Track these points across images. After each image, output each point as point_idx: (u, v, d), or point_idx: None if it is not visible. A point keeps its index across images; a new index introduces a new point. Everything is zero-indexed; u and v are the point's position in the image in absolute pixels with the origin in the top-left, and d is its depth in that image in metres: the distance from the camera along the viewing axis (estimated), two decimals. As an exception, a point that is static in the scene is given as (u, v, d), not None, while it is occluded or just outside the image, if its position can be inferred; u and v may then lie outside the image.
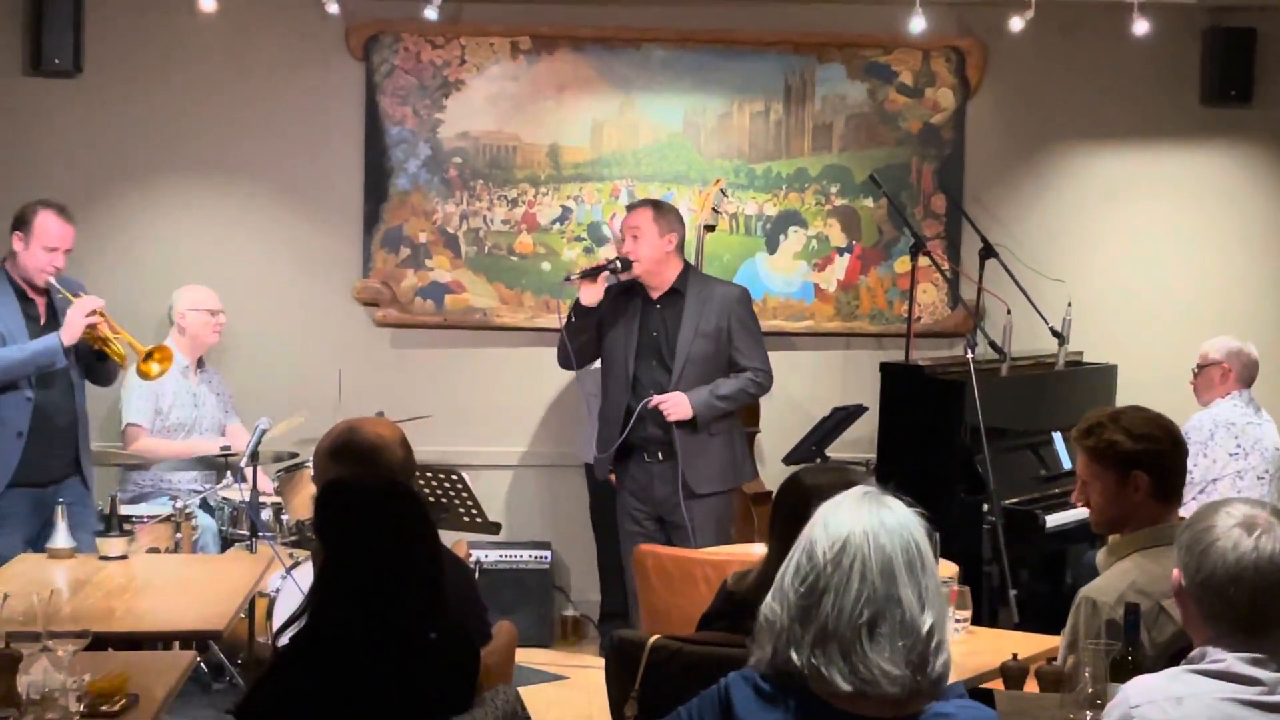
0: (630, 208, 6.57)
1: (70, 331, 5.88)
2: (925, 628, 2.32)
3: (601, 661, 4.67)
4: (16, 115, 7.45)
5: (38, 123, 7.46)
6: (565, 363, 6.57)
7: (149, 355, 6.07)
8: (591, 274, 6.32)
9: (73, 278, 6.15)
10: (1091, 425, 3.78)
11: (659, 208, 6.42)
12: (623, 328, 6.37)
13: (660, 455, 6.29)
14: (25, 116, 7.46)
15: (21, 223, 5.97)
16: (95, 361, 6.15)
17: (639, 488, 6.35)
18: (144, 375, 6.15)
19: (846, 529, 2.36)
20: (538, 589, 7.43)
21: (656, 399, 6.23)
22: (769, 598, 2.41)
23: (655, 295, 6.35)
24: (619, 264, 6.30)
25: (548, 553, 7.45)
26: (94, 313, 5.92)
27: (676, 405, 6.21)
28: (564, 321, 6.43)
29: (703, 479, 6.25)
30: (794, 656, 2.35)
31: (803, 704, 2.38)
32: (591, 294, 6.31)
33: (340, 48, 7.58)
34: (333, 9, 7.22)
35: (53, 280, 5.97)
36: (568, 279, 6.48)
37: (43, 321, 6.01)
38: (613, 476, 6.51)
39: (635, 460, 6.36)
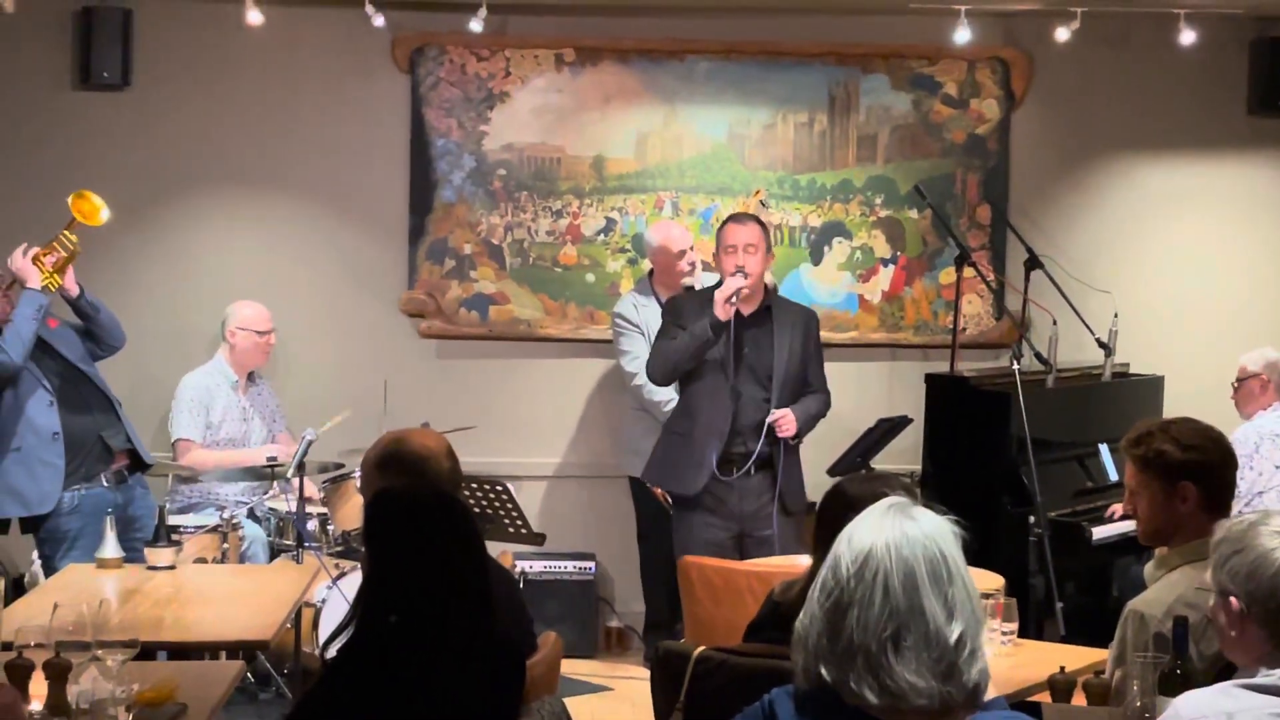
0: (738, 219, 6.26)
1: (30, 275, 6.04)
2: (953, 638, 2.29)
3: (645, 672, 4.67)
4: (66, 128, 7.52)
5: (87, 136, 7.53)
6: (668, 380, 6.34)
7: (82, 214, 6.20)
8: (737, 295, 6.08)
9: None
10: (1141, 434, 3.77)
11: (762, 226, 6.27)
12: (718, 344, 6.16)
13: (751, 471, 6.15)
14: (74, 130, 7.52)
15: None
16: (91, 316, 6.27)
17: (721, 504, 6.17)
18: (96, 224, 6.24)
19: (869, 543, 2.34)
20: (581, 600, 7.43)
21: (775, 415, 6.14)
22: (802, 613, 2.41)
23: (747, 312, 6.21)
24: (742, 275, 6.07)
25: (592, 563, 7.46)
26: (25, 250, 6.07)
27: (790, 423, 6.15)
28: (674, 338, 6.15)
29: (795, 496, 6.20)
30: (824, 671, 2.34)
31: (842, 716, 2.37)
32: (728, 311, 6.06)
33: (386, 60, 7.62)
34: (378, 22, 7.27)
35: None
36: (726, 316, 6.05)
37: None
38: (658, 490, 6.49)
39: (726, 478, 6.18)
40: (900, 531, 2.35)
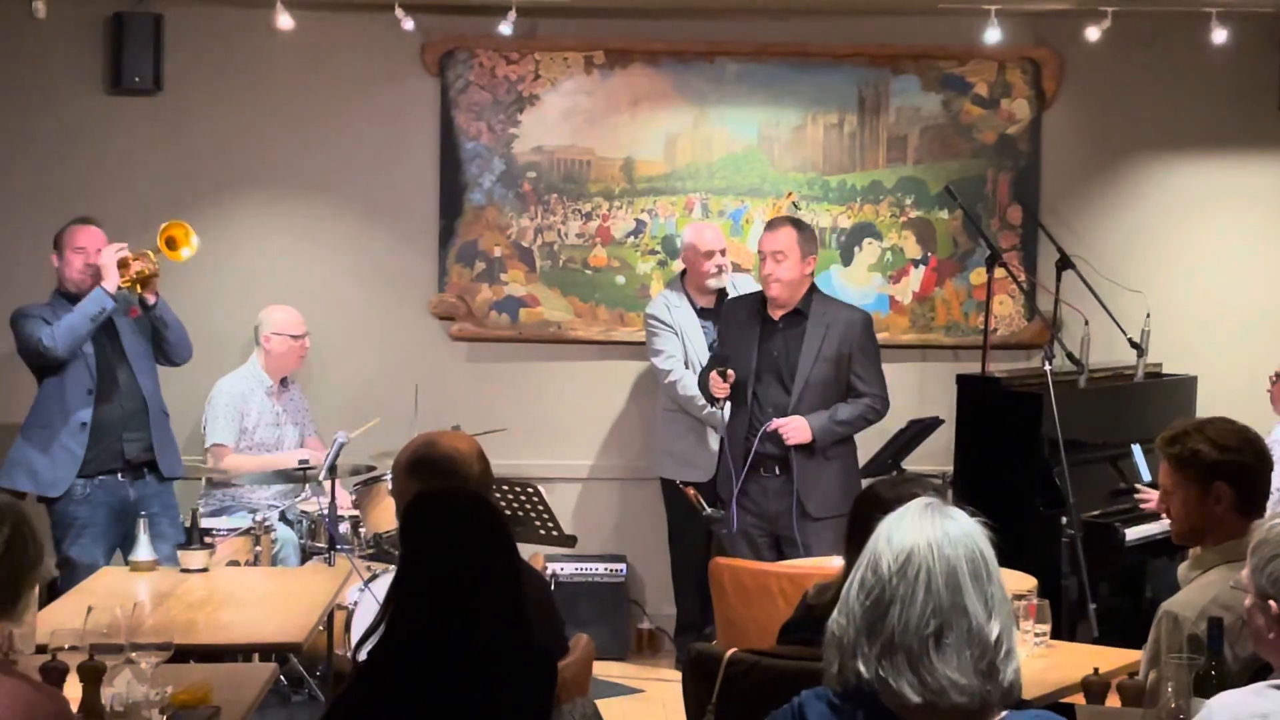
0: (770, 225, 6.52)
1: (109, 275, 6.14)
2: (993, 636, 2.31)
3: (677, 674, 4.68)
4: (98, 133, 7.55)
5: (118, 141, 7.56)
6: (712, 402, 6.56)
7: (170, 243, 6.33)
8: (715, 398, 6.37)
9: None
10: (1176, 434, 3.76)
11: (801, 229, 6.40)
12: (745, 347, 6.38)
13: (776, 470, 6.34)
14: (106, 134, 7.56)
15: (55, 244, 6.30)
16: (159, 330, 6.37)
17: (755, 505, 6.37)
18: (178, 258, 6.36)
19: (911, 541, 2.35)
20: (612, 602, 7.43)
21: (776, 423, 6.29)
22: (835, 612, 2.41)
23: (777, 315, 6.39)
24: (722, 368, 6.32)
25: (623, 565, 7.46)
26: (120, 250, 6.17)
27: (796, 430, 6.29)
28: (716, 356, 6.51)
29: (819, 503, 6.27)
30: (861, 669, 2.34)
31: (873, 717, 2.37)
32: (723, 391, 6.32)
33: (416, 64, 7.63)
34: (408, 26, 7.29)
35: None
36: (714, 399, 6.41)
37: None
38: (690, 490, 6.50)
39: (752, 477, 6.36)
40: (941, 530, 2.36)
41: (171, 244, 6.33)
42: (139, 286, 6.25)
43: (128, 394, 6.27)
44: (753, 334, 6.40)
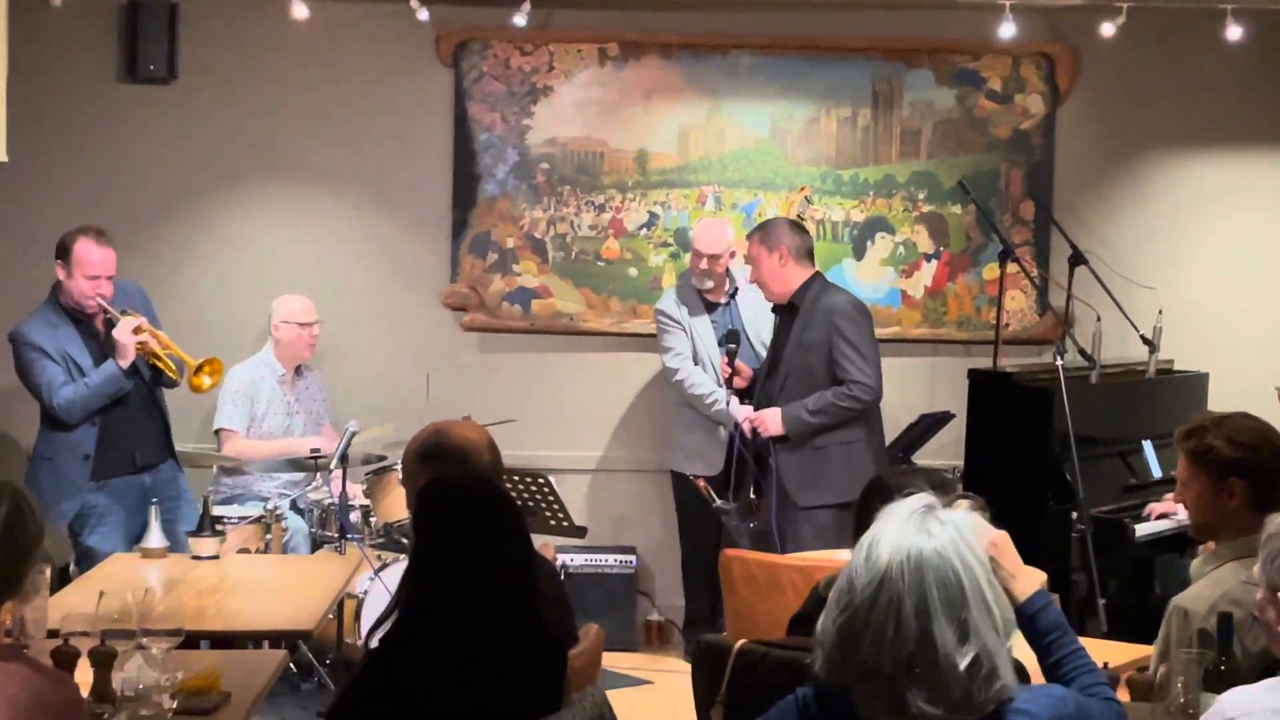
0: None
1: (124, 354, 6.07)
2: (964, 664, 2.30)
3: (686, 666, 4.68)
4: (112, 122, 7.56)
5: (132, 129, 7.57)
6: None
7: (199, 369, 6.22)
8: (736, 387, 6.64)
9: (128, 282, 6.31)
10: (1193, 428, 3.76)
11: (762, 229, 6.50)
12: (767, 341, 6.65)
13: (746, 461, 6.52)
14: (120, 123, 7.57)
15: (63, 252, 6.11)
16: (152, 370, 6.33)
17: (761, 496, 6.50)
18: (196, 389, 6.28)
19: (885, 561, 2.35)
20: (622, 593, 7.44)
21: (752, 415, 6.41)
22: (824, 614, 2.43)
23: (783, 309, 6.49)
24: (730, 349, 6.64)
25: (633, 557, 7.46)
26: (138, 329, 6.09)
27: (766, 421, 6.37)
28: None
29: (806, 492, 6.28)
30: (838, 681, 2.38)
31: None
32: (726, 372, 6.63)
33: (430, 55, 7.63)
34: (423, 16, 7.29)
35: (103, 303, 6.12)
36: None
37: (102, 338, 6.19)
38: (701, 483, 6.52)
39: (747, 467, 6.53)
40: (917, 549, 2.35)
41: (197, 370, 6.26)
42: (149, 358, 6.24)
43: (131, 404, 6.24)
44: (774, 329, 6.58)
